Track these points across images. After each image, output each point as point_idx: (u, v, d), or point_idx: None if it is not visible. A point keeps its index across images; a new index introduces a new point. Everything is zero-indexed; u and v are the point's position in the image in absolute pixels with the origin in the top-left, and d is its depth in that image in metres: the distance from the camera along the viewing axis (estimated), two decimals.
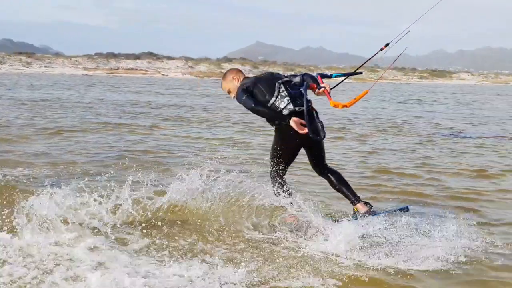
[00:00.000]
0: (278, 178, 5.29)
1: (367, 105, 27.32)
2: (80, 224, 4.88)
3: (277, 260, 4.48)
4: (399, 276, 4.23)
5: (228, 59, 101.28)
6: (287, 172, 5.47)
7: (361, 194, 5.64)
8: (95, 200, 5.10)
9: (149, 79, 58.90)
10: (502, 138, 13.99)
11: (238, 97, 5.22)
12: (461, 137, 13.93)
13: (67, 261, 4.20)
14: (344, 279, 4.11)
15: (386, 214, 5.36)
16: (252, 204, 5.38)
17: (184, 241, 4.90)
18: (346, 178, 5.49)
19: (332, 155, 10.19)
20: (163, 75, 73.81)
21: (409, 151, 11.17)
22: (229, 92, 5.48)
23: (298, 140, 5.19)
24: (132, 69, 79.78)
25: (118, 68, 78.83)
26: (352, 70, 5.87)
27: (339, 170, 5.64)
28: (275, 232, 5.14)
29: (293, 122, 5.03)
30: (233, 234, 5.13)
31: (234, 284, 3.93)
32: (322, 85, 5.25)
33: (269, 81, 5.27)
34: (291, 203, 5.13)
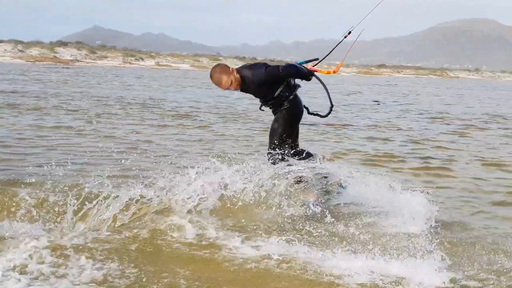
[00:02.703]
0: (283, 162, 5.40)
1: (210, 93, 27.61)
2: None
3: None
4: None
5: (63, 43, 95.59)
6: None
7: None
8: None
9: None
10: (335, 124, 14.96)
11: (279, 71, 5.45)
12: (299, 125, 14.60)
13: None
14: None
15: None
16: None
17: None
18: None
19: (176, 142, 10.12)
20: None
21: (248, 137, 11.48)
22: (230, 84, 5.47)
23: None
24: None
25: None
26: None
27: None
28: None
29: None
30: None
31: None
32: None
33: None
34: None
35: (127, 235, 4.66)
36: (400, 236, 5.00)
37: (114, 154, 8.07)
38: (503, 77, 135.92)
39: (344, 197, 5.79)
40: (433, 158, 9.82)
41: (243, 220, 5.13)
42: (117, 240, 4.55)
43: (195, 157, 8.67)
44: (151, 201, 5.08)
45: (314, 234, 4.87)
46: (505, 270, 4.24)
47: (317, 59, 6.06)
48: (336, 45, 6.08)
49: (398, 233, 5.09)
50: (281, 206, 5.37)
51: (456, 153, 10.62)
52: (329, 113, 5.81)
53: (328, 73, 5.87)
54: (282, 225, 5.14)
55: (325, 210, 5.49)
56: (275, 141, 5.58)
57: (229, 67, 5.54)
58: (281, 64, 5.82)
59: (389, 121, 16.66)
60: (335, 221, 5.19)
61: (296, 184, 5.56)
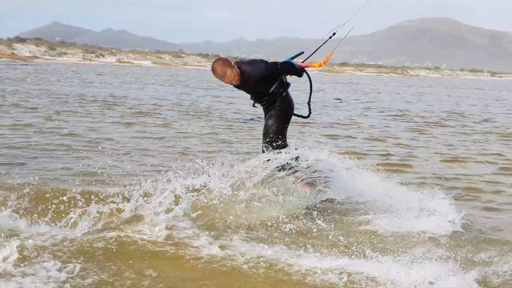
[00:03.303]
0: None
1: (173, 90, 27.42)
2: None
3: None
4: None
5: (21, 39, 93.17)
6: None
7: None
8: None
9: None
10: (298, 122, 15.03)
11: (277, 67, 5.67)
12: (261, 122, 14.65)
13: None
14: None
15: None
16: None
17: None
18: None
19: (138, 140, 10.03)
20: None
21: (212, 135, 11.45)
22: (233, 77, 5.55)
23: None
24: None
25: None
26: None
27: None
28: None
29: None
30: None
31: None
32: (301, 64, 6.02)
33: None
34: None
35: (94, 236, 4.58)
36: (368, 233, 5.08)
37: (75, 153, 7.94)
38: (462, 75, 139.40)
39: (332, 192, 5.90)
40: (393, 155, 10.00)
41: (213, 219, 5.11)
42: (84, 241, 4.46)
43: (158, 155, 8.64)
44: (124, 208, 4.99)
45: (286, 232, 4.91)
46: (468, 263, 4.37)
47: (303, 52, 6.26)
48: (322, 44, 6.34)
49: (367, 230, 5.18)
50: (253, 204, 5.35)
51: (415, 150, 10.85)
52: (309, 113, 6.12)
53: (320, 65, 6.09)
54: (252, 223, 5.12)
55: (309, 206, 5.59)
56: (270, 137, 5.75)
57: (230, 61, 5.63)
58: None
59: (351, 119, 16.87)
60: (310, 217, 5.18)
61: (281, 171, 5.64)
